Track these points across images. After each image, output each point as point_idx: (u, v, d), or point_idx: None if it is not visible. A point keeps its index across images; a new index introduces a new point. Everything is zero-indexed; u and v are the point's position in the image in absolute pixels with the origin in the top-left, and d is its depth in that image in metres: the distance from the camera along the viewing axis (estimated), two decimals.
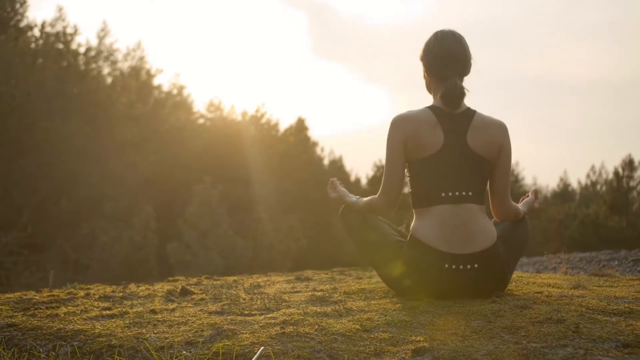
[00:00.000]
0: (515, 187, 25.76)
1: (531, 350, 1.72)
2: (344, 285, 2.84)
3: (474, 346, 1.78)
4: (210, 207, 16.05)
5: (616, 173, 25.01)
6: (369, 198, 2.56)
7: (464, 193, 2.38)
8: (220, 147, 21.43)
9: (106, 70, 21.89)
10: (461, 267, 2.33)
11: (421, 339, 1.84)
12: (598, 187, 30.55)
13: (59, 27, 20.64)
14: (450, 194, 2.37)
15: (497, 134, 2.44)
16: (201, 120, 24.58)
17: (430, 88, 2.55)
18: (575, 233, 22.92)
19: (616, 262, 4.56)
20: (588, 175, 31.24)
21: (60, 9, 21.06)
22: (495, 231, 2.42)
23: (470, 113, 2.45)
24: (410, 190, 2.47)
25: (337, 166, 28.10)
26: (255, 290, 2.74)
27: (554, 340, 1.80)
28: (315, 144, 26.74)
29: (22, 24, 20.53)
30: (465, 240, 2.35)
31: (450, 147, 2.39)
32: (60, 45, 19.80)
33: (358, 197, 2.65)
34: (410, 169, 2.44)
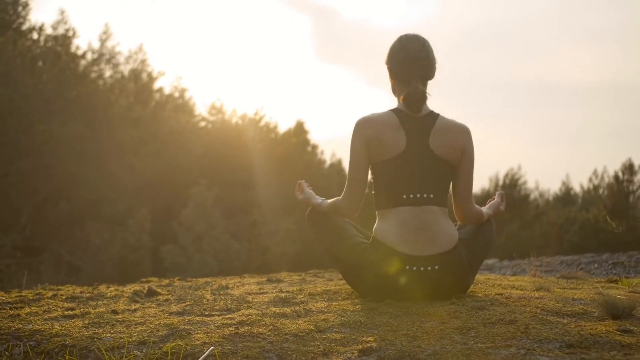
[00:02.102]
0: (515, 192, 25.63)
1: (475, 350, 1.73)
2: (310, 287, 2.85)
3: (421, 346, 1.79)
4: (206, 210, 16.05)
5: (616, 177, 24.90)
6: (333, 200, 2.59)
7: (425, 195, 2.39)
8: (220, 150, 21.43)
9: (108, 73, 21.95)
10: (422, 268, 2.35)
11: (371, 339, 1.86)
12: (600, 191, 30.38)
13: (60, 30, 20.70)
14: (412, 196, 2.39)
15: (460, 137, 2.46)
16: (203, 123, 24.59)
17: (395, 91, 2.57)
18: (574, 237, 22.82)
19: (595, 265, 4.55)
20: (590, 179, 31.08)
21: (62, 12, 21.12)
22: (457, 233, 2.44)
23: (433, 116, 2.47)
24: (373, 192, 2.49)
25: (337, 169, 28.05)
26: (222, 292, 2.76)
27: (502, 340, 1.81)
28: (315, 147, 26.71)
29: (24, 26, 20.61)
30: (426, 242, 2.36)
31: (413, 149, 2.40)
32: (59, 48, 19.85)
33: (323, 199, 2.67)
34: (372, 170, 2.46)
